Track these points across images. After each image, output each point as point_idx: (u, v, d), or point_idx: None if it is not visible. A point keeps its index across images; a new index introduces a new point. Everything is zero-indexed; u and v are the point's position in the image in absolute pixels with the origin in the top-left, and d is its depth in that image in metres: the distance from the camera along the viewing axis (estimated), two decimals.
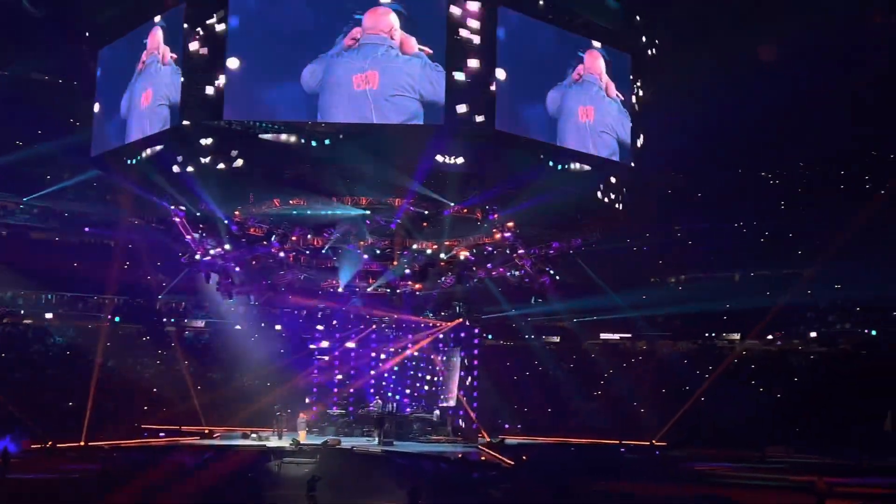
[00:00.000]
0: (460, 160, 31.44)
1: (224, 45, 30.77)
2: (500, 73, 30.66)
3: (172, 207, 36.26)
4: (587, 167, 34.07)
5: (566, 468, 32.39)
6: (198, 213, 36.34)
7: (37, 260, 45.97)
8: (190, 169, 32.40)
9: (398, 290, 40.69)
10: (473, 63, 30.19)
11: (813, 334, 47.11)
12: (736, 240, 51.83)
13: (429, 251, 37.63)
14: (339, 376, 42.88)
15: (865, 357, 44.71)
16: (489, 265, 38.35)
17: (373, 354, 43.54)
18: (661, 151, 42.36)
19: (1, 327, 46.14)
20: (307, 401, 42.16)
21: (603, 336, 51.25)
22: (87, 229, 48.41)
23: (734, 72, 42.80)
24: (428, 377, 42.19)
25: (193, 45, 31.15)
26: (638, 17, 35.93)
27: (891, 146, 49.94)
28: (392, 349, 42.84)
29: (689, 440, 39.74)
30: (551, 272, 38.47)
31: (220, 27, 30.81)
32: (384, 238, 37.90)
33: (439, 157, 31.25)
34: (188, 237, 37.63)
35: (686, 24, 39.78)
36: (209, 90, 30.81)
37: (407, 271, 38.42)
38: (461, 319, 41.56)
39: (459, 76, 29.99)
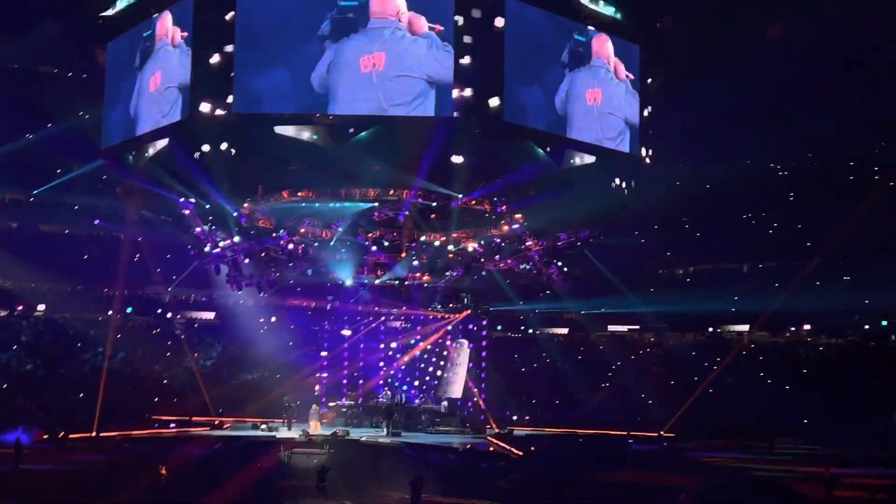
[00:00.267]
0: (458, 159, 31.54)
1: (232, 37, 30.86)
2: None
3: (181, 200, 36.41)
4: (591, 158, 34.04)
5: (574, 459, 32.43)
6: (207, 206, 36.50)
7: (47, 253, 46.13)
8: (199, 160, 32.52)
9: (406, 283, 40.84)
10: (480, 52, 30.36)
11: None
12: (744, 231, 51.68)
13: (437, 243, 37.69)
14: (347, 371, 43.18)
15: (874, 348, 44.66)
16: (497, 257, 38.38)
17: (381, 346, 43.69)
18: (670, 142, 42.37)
19: (15, 319, 46.49)
20: (316, 392, 42.34)
21: (611, 328, 51.25)
22: (96, 222, 48.53)
23: (744, 60, 42.70)
24: (438, 371, 42.25)
25: (201, 39, 31.23)
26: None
27: None
28: (401, 342, 43.00)
29: (697, 431, 39.76)
30: (559, 264, 38.52)
31: (227, 17, 30.91)
32: (393, 230, 37.96)
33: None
34: (197, 230, 37.79)
35: (696, 15, 39.82)
36: (219, 84, 30.95)
37: (415, 263, 38.52)
38: (469, 311, 41.61)
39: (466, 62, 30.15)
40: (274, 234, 38.12)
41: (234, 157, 32.27)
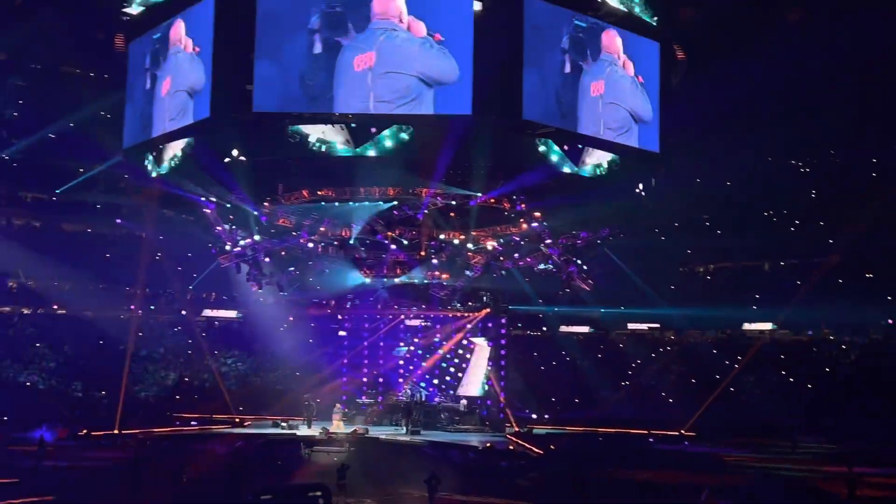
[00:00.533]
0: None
1: (252, 37, 30.98)
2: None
3: (202, 199, 36.62)
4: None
5: (594, 457, 32.38)
6: (228, 205, 36.70)
7: (69, 251, 46.54)
8: (220, 160, 32.68)
9: (425, 282, 40.92)
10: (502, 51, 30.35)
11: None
12: (766, 229, 51.30)
13: (456, 242, 37.70)
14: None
15: None
16: (516, 255, 38.32)
17: (401, 345, 43.84)
18: (690, 138, 42.18)
19: (35, 317, 46.92)
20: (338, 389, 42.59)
21: (631, 326, 51.06)
22: (118, 221, 48.93)
23: (765, 55, 42.41)
24: (455, 370, 42.30)
25: (222, 38, 31.37)
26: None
27: None
28: (421, 342, 43.15)
29: (718, 430, 39.55)
30: (578, 262, 38.41)
31: (247, 20, 31.03)
32: (412, 229, 38.00)
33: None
34: (218, 229, 38.00)
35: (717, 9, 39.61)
36: (239, 83, 31.09)
37: (434, 262, 38.57)
38: (488, 310, 41.61)
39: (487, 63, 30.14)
40: (294, 233, 38.29)
41: (254, 157, 32.37)
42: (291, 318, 47.71)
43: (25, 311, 47.22)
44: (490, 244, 38.37)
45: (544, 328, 51.36)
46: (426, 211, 36.01)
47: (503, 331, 41.37)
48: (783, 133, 48.18)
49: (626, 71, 33.97)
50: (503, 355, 40.83)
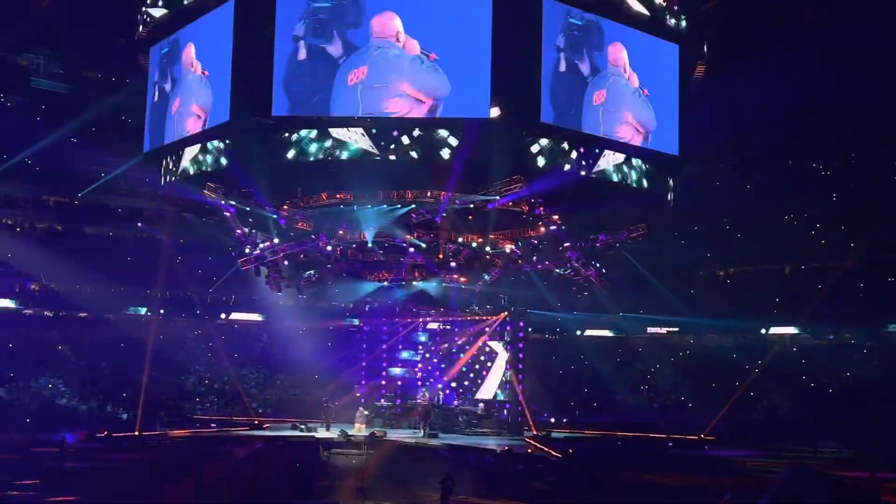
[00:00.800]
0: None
1: (272, 42, 31.20)
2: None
3: (222, 203, 36.86)
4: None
5: (613, 461, 32.29)
6: (247, 209, 36.93)
7: (91, 254, 46.94)
8: (240, 163, 32.94)
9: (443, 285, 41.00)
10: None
11: None
12: (786, 232, 50.98)
13: (474, 244, 37.71)
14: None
15: None
16: (535, 258, 38.27)
17: (420, 348, 43.89)
18: (710, 142, 42.03)
19: (56, 321, 47.36)
20: (357, 393, 42.72)
21: (650, 330, 50.85)
22: (139, 224, 49.33)
23: (784, 60, 42.21)
24: (472, 374, 42.29)
25: (243, 43, 31.61)
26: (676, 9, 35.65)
27: None
28: (439, 345, 43.20)
29: (738, 435, 39.32)
30: (597, 265, 38.33)
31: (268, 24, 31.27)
32: (430, 231, 38.06)
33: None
34: (238, 232, 38.23)
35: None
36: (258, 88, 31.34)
37: (452, 265, 38.59)
38: (506, 313, 41.58)
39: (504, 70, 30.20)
40: (312, 237, 38.44)
41: (274, 160, 32.58)
42: (310, 322, 48.02)
43: (48, 314, 47.67)
44: (508, 247, 38.34)
45: (562, 332, 51.26)
46: (444, 214, 36.06)
47: (521, 334, 41.34)
48: (803, 136, 47.90)
49: (630, 83, 33.91)
50: (521, 359, 40.79)
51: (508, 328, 41.34)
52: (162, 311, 48.12)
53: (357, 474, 24.65)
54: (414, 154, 31.57)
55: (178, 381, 45.13)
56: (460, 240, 37.82)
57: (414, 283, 40.93)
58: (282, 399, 45.73)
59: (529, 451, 34.20)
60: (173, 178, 36.66)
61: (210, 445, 34.21)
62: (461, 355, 42.41)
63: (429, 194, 35.15)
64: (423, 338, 43.95)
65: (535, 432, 38.96)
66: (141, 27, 36.67)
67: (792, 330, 47.58)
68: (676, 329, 50.33)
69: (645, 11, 33.72)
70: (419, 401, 40.44)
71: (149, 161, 39.82)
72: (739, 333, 49.07)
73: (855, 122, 46.79)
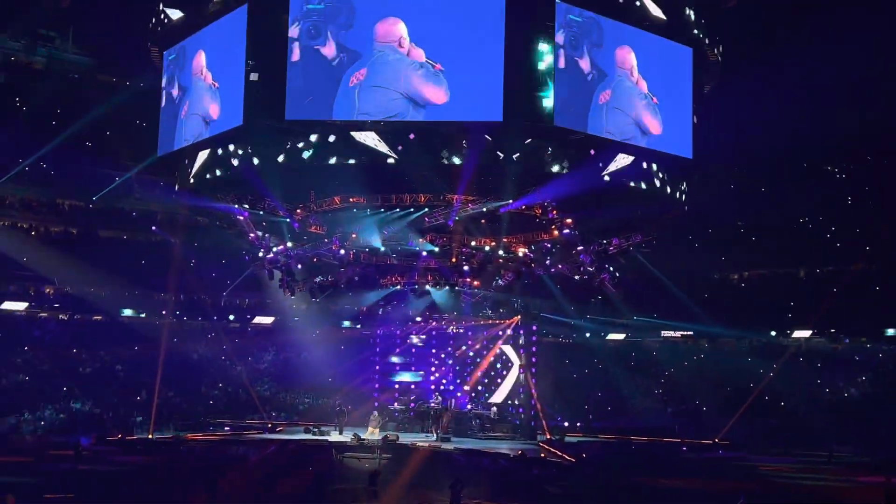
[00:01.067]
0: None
1: (285, 45, 31.23)
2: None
3: (235, 206, 36.96)
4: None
5: (627, 466, 32.19)
6: (261, 212, 37.00)
7: (105, 258, 47.16)
8: (253, 167, 32.99)
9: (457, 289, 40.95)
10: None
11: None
12: (801, 235, 50.71)
13: (487, 248, 37.65)
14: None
15: None
16: (548, 262, 38.16)
17: (433, 351, 43.88)
18: (724, 144, 41.81)
19: (71, 324, 47.61)
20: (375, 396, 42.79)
21: (664, 334, 50.66)
22: (153, 228, 49.54)
23: (799, 56, 41.99)
24: (486, 378, 42.26)
25: (254, 46, 31.66)
26: (692, 13, 35.46)
27: None
28: (454, 350, 43.18)
29: (753, 439, 39.12)
30: (611, 269, 38.17)
31: (282, 27, 31.29)
32: (443, 235, 38.02)
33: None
34: (251, 235, 38.33)
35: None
36: (271, 89, 31.37)
37: (465, 268, 38.55)
38: (519, 317, 41.50)
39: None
40: (326, 240, 38.50)
41: (287, 164, 32.60)
42: (323, 326, 48.10)
43: (63, 317, 47.92)
44: (521, 251, 38.25)
45: (576, 336, 51.14)
46: (457, 218, 35.99)
47: (534, 338, 41.24)
48: (819, 138, 47.63)
49: (639, 87, 33.76)
50: (534, 363, 40.69)
51: (521, 332, 41.25)
52: (175, 315, 48.26)
53: (369, 478, 24.59)
54: (422, 158, 31.51)
55: (191, 385, 45.21)
56: (473, 244, 37.75)
57: (424, 293, 40.82)
58: (294, 403, 45.78)
59: (543, 455, 34.10)
60: (186, 183, 36.75)
61: (223, 449, 34.29)
62: (477, 360, 42.36)
63: (441, 198, 35.11)
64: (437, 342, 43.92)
65: (548, 436, 38.84)
66: (158, 27, 36.76)
67: (807, 334, 47.29)
68: (691, 333, 50.12)
69: (662, 16, 33.56)
70: (433, 405, 40.38)
71: (161, 165, 39.93)
72: (754, 337, 48.83)
73: (870, 124, 46.46)
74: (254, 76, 31.39)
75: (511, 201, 33.75)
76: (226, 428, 40.04)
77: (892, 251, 44.06)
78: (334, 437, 37.17)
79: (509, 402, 41.24)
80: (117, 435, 36.11)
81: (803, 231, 50.84)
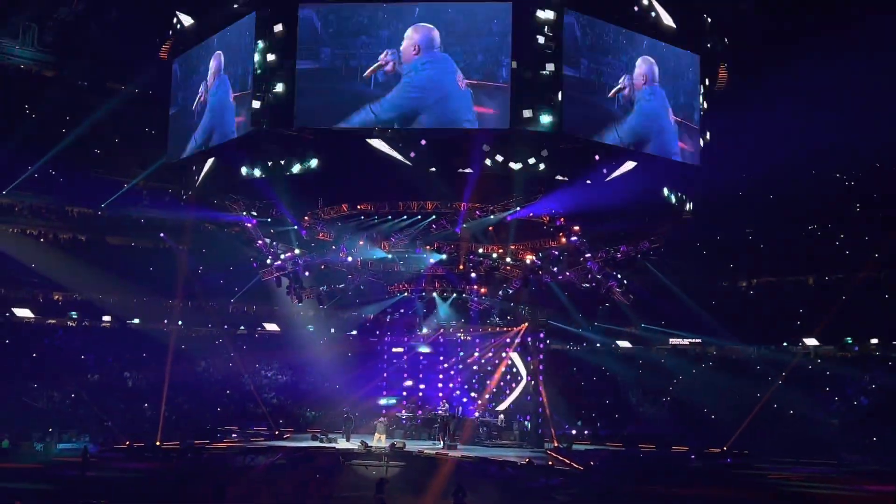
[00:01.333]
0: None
1: (294, 52, 31.32)
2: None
3: (244, 214, 37.07)
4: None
5: (634, 474, 32.08)
6: (269, 219, 37.11)
7: (114, 264, 47.33)
8: (262, 174, 33.13)
9: (464, 296, 40.99)
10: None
11: None
12: (810, 242, 50.57)
13: (495, 255, 37.66)
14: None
15: None
16: (555, 269, 38.14)
17: (441, 359, 43.86)
18: (732, 153, 41.78)
19: (79, 330, 47.74)
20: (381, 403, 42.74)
21: (672, 341, 50.51)
22: (161, 235, 49.71)
23: (810, 63, 41.92)
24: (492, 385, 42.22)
25: (263, 53, 31.75)
26: (708, 19, 35.52)
27: None
28: (463, 358, 43.15)
29: (763, 447, 38.95)
30: (619, 276, 38.12)
31: (289, 34, 31.38)
32: (450, 242, 38.04)
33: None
34: (259, 242, 38.42)
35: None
36: (278, 98, 31.46)
37: (473, 276, 38.58)
38: (527, 325, 41.43)
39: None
40: (333, 247, 38.57)
41: (295, 171, 32.70)
42: (330, 333, 48.15)
43: (71, 324, 48.06)
44: (529, 258, 38.23)
45: (583, 343, 51.03)
46: (465, 225, 36.02)
47: (541, 345, 41.17)
48: (826, 143, 47.51)
49: (650, 95, 33.76)
50: (541, 370, 40.59)
51: (529, 339, 41.19)
52: (183, 321, 48.35)
53: (377, 485, 24.55)
54: (430, 165, 31.60)
55: (198, 392, 45.24)
56: (480, 251, 37.77)
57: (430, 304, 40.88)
58: (302, 410, 45.76)
59: (550, 463, 34.01)
60: (194, 190, 36.89)
61: (231, 456, 34.28)
62: (488, 368, 42.30)
63: (450, 205, 35.18)
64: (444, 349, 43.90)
65: (556, 444, 38.73)
66: (170, 33, 36.95)
67: (816, 341, 47.11)
68: (699, 340, 49.96)
69: (672, 24, 33.60)
70: (440, 412, 40.32)
71: (170, 172, 40.10)
72: (763, 345, 48.66)
73: (879, 131, 46.32)
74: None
75: (518, 209, 33.81)
76: (233, 435, 40.05)
77: None
78: (342, 444, 37.13)
79: (515, 409, 41.14)
80: (125, 442, 36.13)
81: (812, 238, 50.68)
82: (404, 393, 43.78)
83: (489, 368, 42.64)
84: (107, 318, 48.48)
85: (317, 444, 37.49)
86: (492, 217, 35.02)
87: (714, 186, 39.35)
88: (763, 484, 31.02)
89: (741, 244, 51.81)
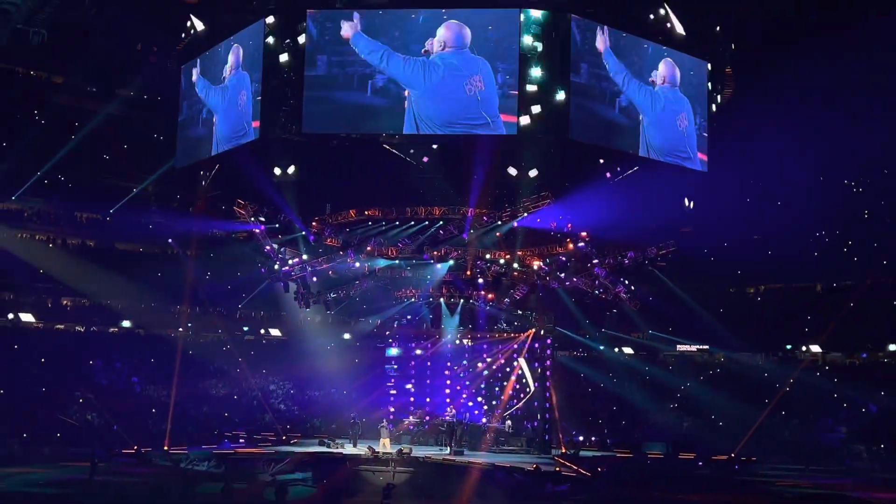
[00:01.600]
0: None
1: (303, 58, 31.45)
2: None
3: (252, 220, 37.16)
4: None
5: (642, 480, 32.01)
6: (277, 225, 37.19)
7: (122, 270, 47.46)
8: (270, 180, 33.26)
9: (471, 302, 40.98)
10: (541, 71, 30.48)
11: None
12: (817, 248, 50.49)
13: (502, 261, 37.67)
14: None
15: None
16: (563, 275, 38.13)
17: (448, 364, 43.79)
18: (740, 158, 41.79)
19: (87, 336, 47.88)
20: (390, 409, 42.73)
21: (680, 348, 50.43)
22: (170, 241, 49.85)
23: (817, 69, 41.96)
24: (499, 390, 42.15)
25: (272, 60, 31.89)
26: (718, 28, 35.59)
27: None
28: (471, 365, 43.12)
29: (769, 454, 38.86)
30: (626, 283, 38.09)
31: (300, 40, 31.49)
32: (458, 248, 38.08)
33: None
34: (267, 248, 38.49)
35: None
36: (288, 104, 31.60)
37: (480, 282, 38.56)
38: (534, 330, 41.38)
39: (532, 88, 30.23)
40: (341, 253, 38.63)
41: (303, 176, 32.84)
42: (338, 338, 48.19)
43: (79, 328, 48.19)
44: (536, 264, 38.23)
45: (591, 349, 50.96)
46: (472, 230, 36.07)
47: (549, 352, 41.11)
48: (835, 150, 47.51)
49: (659, 100, 33.82)
50: (549, 376, 40.53)
51: (536, 346, 41.13)
52: (191, 327, 48.47)
53: (384, 491, 24.56)
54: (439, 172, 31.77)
55: (206, 397, 45.32)
56: (488, 257, 37.78)
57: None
58: (309, 415, 45.78)
59: (558, 469, 33.94)
60: (203, 195, 37.06)
61: (238, 461, 34.29)
62: (499, 375, 42.24)
63: (458, 211, 35.26)
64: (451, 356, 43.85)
65: (563, 450, 38.65)
66: (182, 38, 37.12)
67: (823, 347, 47.03)
68: (706, 347, 49.89)
69: (682, 32, 33.68)
70: (447, 417, 40.29)
71: (179, 177, 40.24)
72: (770, 351, 48.58)
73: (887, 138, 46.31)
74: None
75: (526, 215, 33.85)
76: (240, 440, 40.05)
77: None
78: (349, 449, 37.12)
79: (523, 414, 41.08)
80: (133, 447, 36.16)
81: (819, 245, 50.60)
82: (412, 399, 43.73)
83: (499, 375, 42.56)
84: (123, 323, 48.53)
85: (324, 449, 37.48)
86: (500, 224, 35.06)
87: (722, 192, 39.37)
88: (770, 491, 30.93)
89: (749, 250, 51.72)
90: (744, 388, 45.09)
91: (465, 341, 43.54)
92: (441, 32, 30.73)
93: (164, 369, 43.59)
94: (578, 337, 48.11)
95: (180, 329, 47.98)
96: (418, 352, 43.57)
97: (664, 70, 33.49)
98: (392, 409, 42.64)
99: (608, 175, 33.17)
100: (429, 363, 43.84)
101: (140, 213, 50.98)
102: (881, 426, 40.23)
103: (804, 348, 47.83)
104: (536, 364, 40.68)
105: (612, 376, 48.79)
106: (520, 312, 42.21)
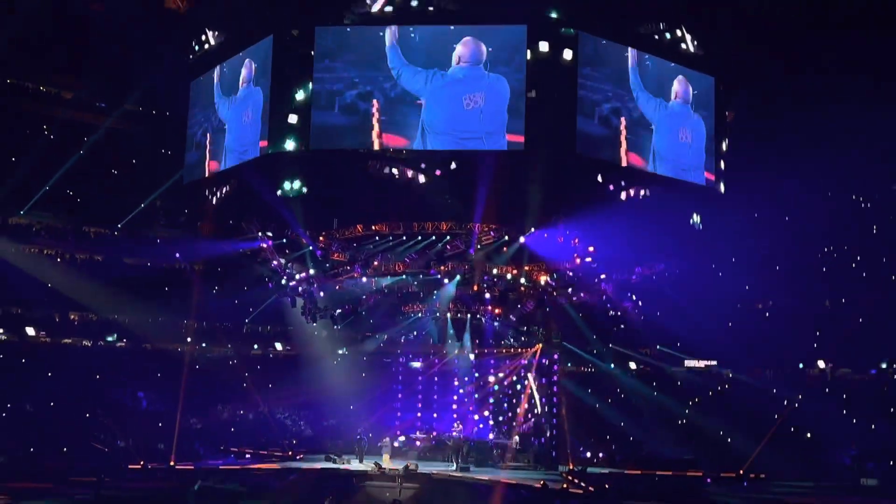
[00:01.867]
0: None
1: (311, 74, 31.58)
2: None
3: (259, 234, 37.23)
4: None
5: (650, 497, 31.84)
6: (284, 240, 37.25)
7: (130, 284, 47.50)
8: (277, 195, 33.32)
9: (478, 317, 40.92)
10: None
11: None
12: (825, 264, 50.29)
13: (509, 276, 37.65)
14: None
15: None
16: (570, 290, 38.09)
17: (455, 380, 43.73)
18: (746, 171, 41.70)
19: (96, 349, 47.92)
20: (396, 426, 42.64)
21: (688, 363, 50.18)
22: (177, 255, 49.89)
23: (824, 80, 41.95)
24: (507, 406, 42.03)
25: (280, 76, 32.02)
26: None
27: None
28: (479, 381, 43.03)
29: (778, 470, 38.62)
30: (633, 297, 38.03)
31: (306, 56, 31.65)
32: (464, 263, 38.08)
33: None
34: (274, 263, 38.54)
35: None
36: (294, 120, 31.68)
37: (487, 296, 38.51)
38: (541, 346, 41.30)
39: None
40: (347, 268, 38.66)
41: (310, 192, 32.90)
42: (345, 354, 48.10)
43: (86, 343, 48.21)
44: (543, 279, 38.20)
45: (598, 365, 50.75)
46: (479, 245, 36.06)
47: (556, 367, 41.00)
48: (844, 165, 47.37)
49: (668, 117, 33.85)
50: (556, 392, 40.41)
51: (543, 360, 41.04)
52: (198, 342, 48.45)
53: None
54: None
55: (212, 412, 45.27)
56: (495, 272, 37.76)
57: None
58: (316, 431, 45.70)
59: (565, 486, 33.80)
60: (210, 210, 37.15)
61: (244, 476, 34.23)
62: (508, 391, 42.14)
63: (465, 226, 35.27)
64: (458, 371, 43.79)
65: (571, 467, 38.49)
66: (191, 53, 37.30)
67: (832, 363, 46.78)
68: (714, 362, 49.66)
69: (692, 50, 33.76)
70: (453, 433, 40.20)
71: (186, 192, 40.35)
72: (778, 367, 48.31)
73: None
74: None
75: (533, 230, 33.85)
76: (247, 455, 39.99)
77: None
78: (355, 465, 37.04)
79: (530, 431, 40.95)
80: (139, 462, 36.15)
81: (828, 260, 50.38)
82: (419, 414, 43.65)
83: (510, 392, 42.44)
84: (122, 338, 48.59)
85: (330, 465, 37.42)
86: (507, 239, 35.07)
87: (729, 208, 39.30)
88: None
89: (757, 264, 51.50)
90: (751, 404, 44.87)
91: (471, 356, 43.51)
92: (458, 48, 30.99)
93: (171, 384, 43.53)
94: (585, 354, 47.93)
95: (187, 343, 47.93)
96: (415, 364, 43.57)
97: (678, 87, 33.55)
98: (398, 426, 42.60)
99: (611, 187, 33.13)
100: (436, 378, 43.80)
101: (148, 228, 51.09)
102: (892, 444, 39.93)
103: (812, 363, 47.54)
104: (544, 380, 40.60)
105: (619, 391, 48.57)
106: (526, 328, 42.17)
